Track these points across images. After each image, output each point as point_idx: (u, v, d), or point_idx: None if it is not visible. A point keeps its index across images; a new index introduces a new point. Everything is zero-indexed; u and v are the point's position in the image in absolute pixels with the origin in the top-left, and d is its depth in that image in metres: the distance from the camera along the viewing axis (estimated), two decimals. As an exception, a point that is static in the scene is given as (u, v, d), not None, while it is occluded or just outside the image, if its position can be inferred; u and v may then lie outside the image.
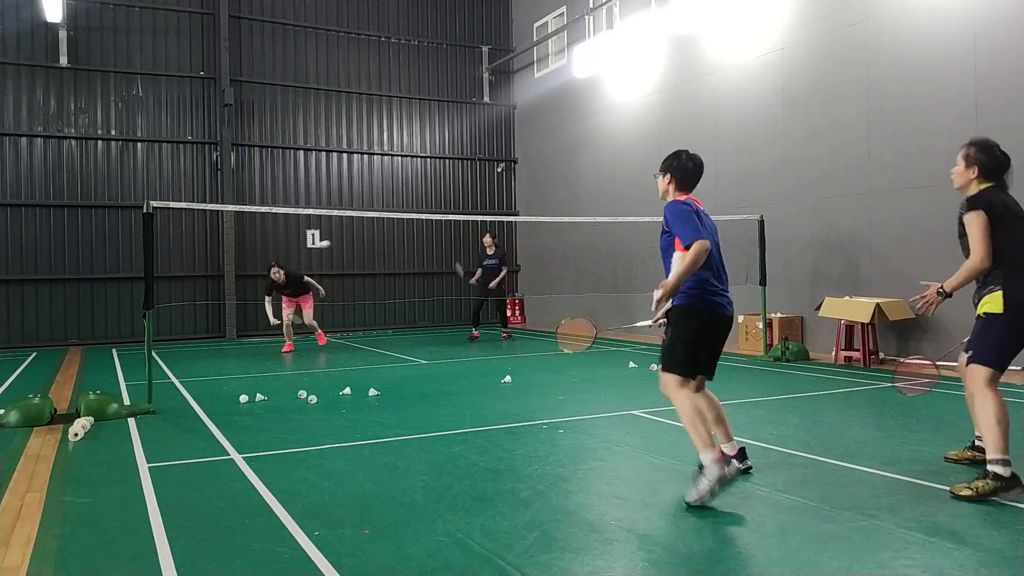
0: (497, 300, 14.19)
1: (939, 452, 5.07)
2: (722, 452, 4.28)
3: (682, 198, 4.42)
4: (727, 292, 4.41)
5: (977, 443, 4.66)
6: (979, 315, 4.42)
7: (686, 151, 4.58)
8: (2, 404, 7.06)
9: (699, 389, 4.40)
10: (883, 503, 3.98)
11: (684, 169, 4.51)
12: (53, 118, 14.74)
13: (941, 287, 4.46)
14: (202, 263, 15.79)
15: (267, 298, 11.95)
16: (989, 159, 4.47)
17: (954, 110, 9.16)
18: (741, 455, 4.54)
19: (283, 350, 12.26)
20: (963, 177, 4.58)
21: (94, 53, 15.04)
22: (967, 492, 4.04)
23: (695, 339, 4.32)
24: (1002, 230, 4.25)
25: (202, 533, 3.71)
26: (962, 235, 4.49)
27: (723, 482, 3.96)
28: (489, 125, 18.87)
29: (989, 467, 4.07)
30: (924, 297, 4.53)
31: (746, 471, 4.51)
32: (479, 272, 13.79)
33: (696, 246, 4.17)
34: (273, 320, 11.94)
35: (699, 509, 3.94)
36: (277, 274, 11.86)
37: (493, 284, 13.62)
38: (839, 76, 10.62)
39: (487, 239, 13.85)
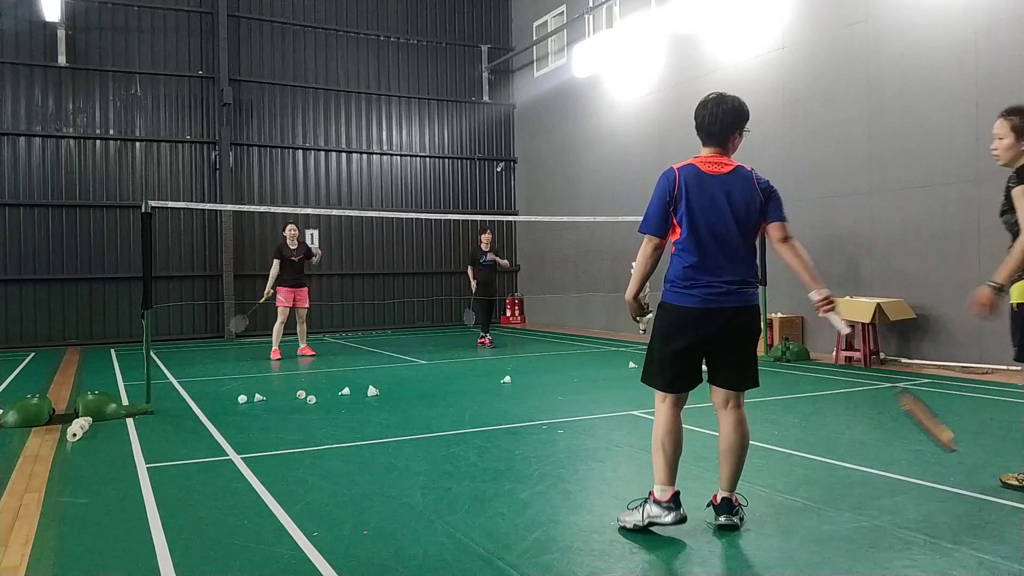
0: (492, 301, 13.38)
1: (940, 452, 5.04)
2: (673, 493, 3.60)
3: (683, 163, 3.71)
4: (716, 281, 3.54)
5: None
6: (1012, 306, 4.02)
7: (713, 94, 3.79)
8: (1, 404, 7.05)
9: (725, 404, 3.67)
10: (884, 504, 3.96)
11: (699, 125, 3.76)
12: (51, 118, 14.72)
13: (992, 282, 3.86)
14: (200, 263, 15.77)
15: (275, 262, 11.31)
16: None
17: (955, 109, 9.15)
18: (725, 506, 3.67)
19: (271, 357, 11.28)
20: (1013, 150, 4.01)
21: (92, 52, 15.02)
22: (1014, 482, 4.15)
23: (664, 342, 3.64)
24: None
25: (201, 534, 3.70)
26: (1005, 211, 4.02)
27: (654, 525, 3.56)
28: (489, 124, 18.85)
29: None
30: (975, 301, 3.89)
31: (726, 528, 3.63)
32: (471, 272, 13.10)
33: (643, 244, 3.68)
34: (268, 291, 11.32)
35: (699, 509, 3.87)
36: (293, 230, 11.46)
37: (503, 263, 13.14)
38: (839, 75, 10.61)
39: (486, 236, 13.18)
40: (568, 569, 3.19)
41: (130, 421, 6.59)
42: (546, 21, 17.73)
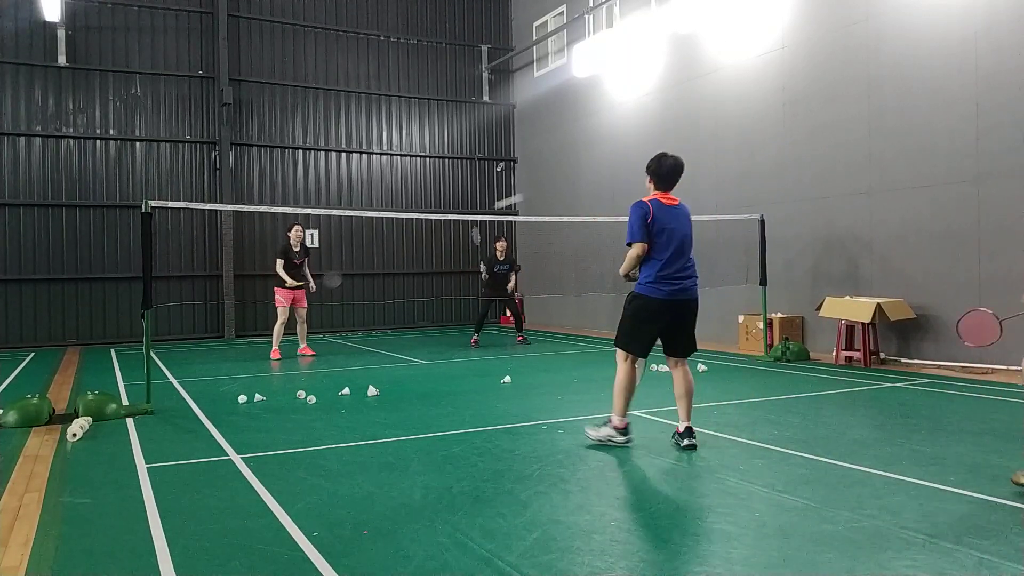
0: (509, 301, 13.58)
1: (940, 452, 5.05)
2: (626, 423, 5.31)
3: (649, 198, 5.27)
4: (677, 278, 5.11)
5: None
6: None
7: (664, 153, 5.37)
8: (1, 404, 7.04)
9: (675, 365, 5.31)
10: (883, 504, 3.96)
11: (657, 172, 5.33)
12: (51, 118, 14.72)
13: None
14: (200, 263, 15.77)
15: (279, 261, 11.37)
16: None
17: (955, 109, 9.15)
18: (688, 432, 5.17)
19: (271, 357, 11.38)
20: None
21: (92, 52, 15.02)
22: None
23: (633, 319, 5.24)
24: None
25: (201, 534, 3.70)
26: None
27: (609, 442, 5.23)
28: (489, 124, 18.85)
29: None
30: None
31: (689, 447, 5.09)
32: (483, 273, 13.25)
33: (632, 249, 5.16)
34: (290, 282, 11.38)
35: (699, 509, 3.95)
36: (299, 232, 11.51)
37: (511, 286, 13.20)
38: (840, 75, 10.61)
39: (501, 244, 13.29)
40: (568, 569, 3.19)
41: (130, 421, 6.59)
42: (546, 21, 17.73)
